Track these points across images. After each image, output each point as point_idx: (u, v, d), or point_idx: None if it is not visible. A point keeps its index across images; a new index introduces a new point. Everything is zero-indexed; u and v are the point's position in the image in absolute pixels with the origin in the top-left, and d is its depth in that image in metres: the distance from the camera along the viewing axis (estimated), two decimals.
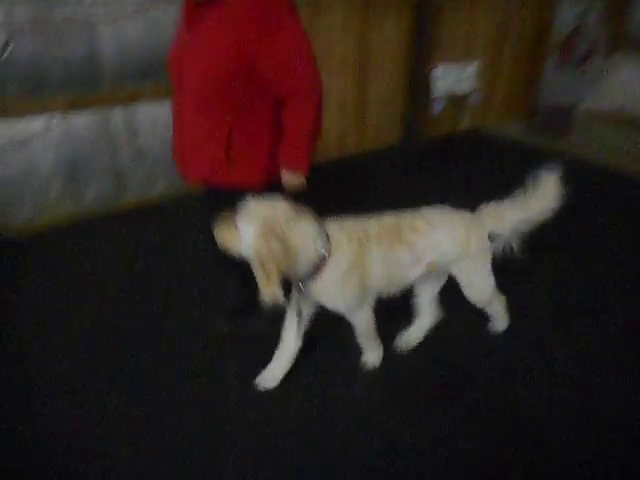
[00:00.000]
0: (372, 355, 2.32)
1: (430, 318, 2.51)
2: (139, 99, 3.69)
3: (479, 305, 2.38)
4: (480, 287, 2.29)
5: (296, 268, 1.79)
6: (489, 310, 2.46)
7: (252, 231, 1.69)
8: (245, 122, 1.85)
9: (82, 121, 3.54)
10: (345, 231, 1.91)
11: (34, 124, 3.38)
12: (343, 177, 4.52)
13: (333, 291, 1.93)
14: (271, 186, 1.96)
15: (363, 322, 2.15)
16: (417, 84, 5.04)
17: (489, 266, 2.25)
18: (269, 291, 1.68)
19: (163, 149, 3.87)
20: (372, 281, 1.99)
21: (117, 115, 3.66)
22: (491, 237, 2.22)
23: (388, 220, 2.03)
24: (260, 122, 1.87)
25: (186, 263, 3.14)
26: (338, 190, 4.24)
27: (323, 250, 1.81)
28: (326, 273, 1.85)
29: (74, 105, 3.48)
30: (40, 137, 3.43)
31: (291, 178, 1.96)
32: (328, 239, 1.84)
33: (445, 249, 2.11)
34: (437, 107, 5.09)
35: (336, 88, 4.65)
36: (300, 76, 1.77)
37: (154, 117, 3.79)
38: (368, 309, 2.12)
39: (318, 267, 1.83)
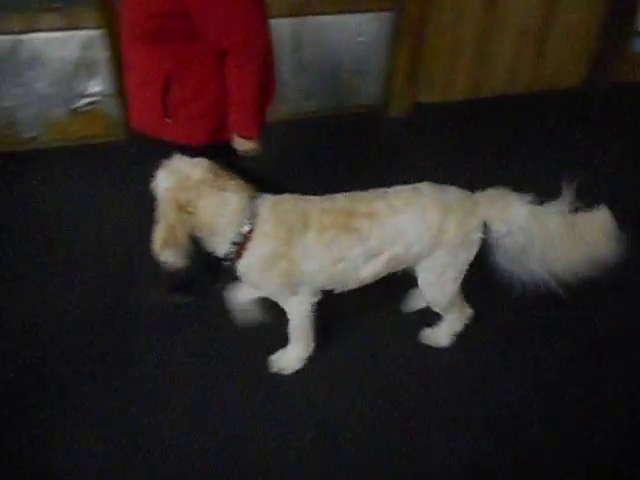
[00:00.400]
0: (292, 353, 2.00)
1: None
2: (302, 11, 3.73)
3: (434, 307, 2.00)
4: (444, 285, 1.88)
5: (211, 241, 1.67)
6: (444, 317, 2.07)
7: (161, 190, 1.59)
8: (186, 73, 1.63)
9: None
10: (277, 212, 1.67)
11: None
12: (507, 116, 4.12)
13: (254, 276, 1.74)
14: (219, 148, 1.77)
15: (294, 313, 1.90)
16: (617, 12, 4.22)
17: (466, 265, 1.85)
18: (156, 248, 1.58)
19: (327, 67, 3.95)
20: (305, 275, 1.73)
21: (284, 26, 3.76)
22: (486, 231, 1.80)
23: (340, 203, 1.72)
24: (203, 75, 1.65)
25: None
26: (496, 130, 3.89)
27: (246, 228, 1.63)
28: (247, 255, 1.67)
29: None
30: None
31: (240, 143, 1.78)
32: (255, 217, 1.64)
33: (411, 240, 1.74)
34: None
35: (517, 13, 4.13)
36: (235, 27, 1.51)
37: (320, 31, 3.82)
38: (304, 301, 1.85)
39: (241, 246, 1.65)
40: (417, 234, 1.73)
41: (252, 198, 1.68)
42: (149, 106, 1.71)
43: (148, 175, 1.65)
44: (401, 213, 1.71)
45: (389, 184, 1.86)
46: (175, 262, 1.65)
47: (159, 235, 1.57)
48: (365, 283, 1.86)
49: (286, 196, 1.74)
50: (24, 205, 3.07)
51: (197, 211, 1.59)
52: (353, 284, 1.85)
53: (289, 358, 2.01)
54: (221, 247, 1.68)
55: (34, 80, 3.47)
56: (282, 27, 3.74)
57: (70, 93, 3.58)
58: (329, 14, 3.78)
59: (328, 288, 1.85)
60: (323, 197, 1.75)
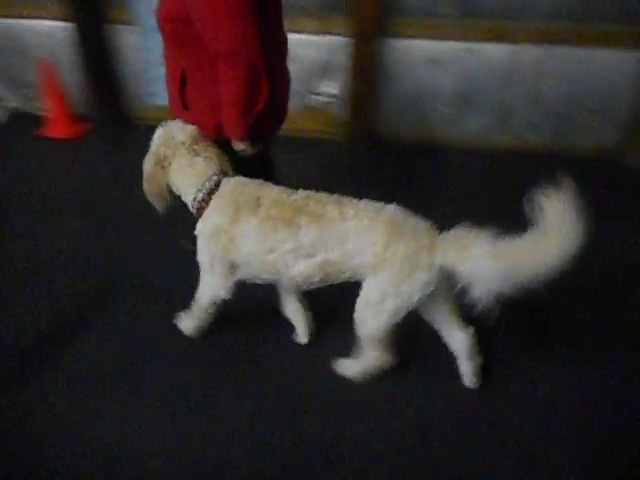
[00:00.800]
0: (184, 322, 2.13)
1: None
2: (553, 40, 3.47)
3: (359, 333, 1.81)
4: (378, 313, 1.71)
5: (183, 195, 1.84)
6: (363, 349, 1.88)
7: (152, 144, 1.84)
8: (197, 73, 1.78)
9: (493, 52, 3.60)
10: (235, 192, 1.75)
11: (451, 46, 3.63)
12: None
13: (200, 241, 1.83)
14: (223, 141, 1.86)
15: (202, 289, 1.95)
16: None
17: (407, 303, 1.67)
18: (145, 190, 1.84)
19: (564, 102, 3.64)
20: (240, 256, 1.78)
21: (527, 53, 3.55)
22: (447, 272, 1.61)
23: (296, 198, 1.72)
24: (206, 75, 1.75)
25: None
26: None
27: (200, 195, 1.78)
28: (200, 221, 1.80)
29: (491, 34, 3.54)
30: (451, 60, 3.68)
31: (233, 142, 1.84)
32: (214, 190, 1.77)
33: (351, 250, 1.66)
34: None
35: None
36: (224, 35, 1.55)
37: (567, 62, 3.52)
38: (221, 285, 1.89)
39: (198, 211, 1.80)
40: (359, 246, 1.66)
41: (220, 173, 1.82)
42: (173, 98, 1.93)
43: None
44: (347, 221, 1.66)
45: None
46: (159, 206, 1.89)
47: (144, 182, 1.85)
48: (299, 283, 1.81)
49: (253, 181, 1.81)
50: None
51: (169, 167, 1.81)
52: (285, 280, 1.82)
53: (185, 325, 2.15)
54: (188, 205, 1.86)
55: None
56: (525, 54, 3.56)
57: (307, 90, 3.93)
58: (580, 46, 3.47)
59: (263, 278, 1.85)
60: (286, 189, 1.77)
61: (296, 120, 3.99)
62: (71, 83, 4.11)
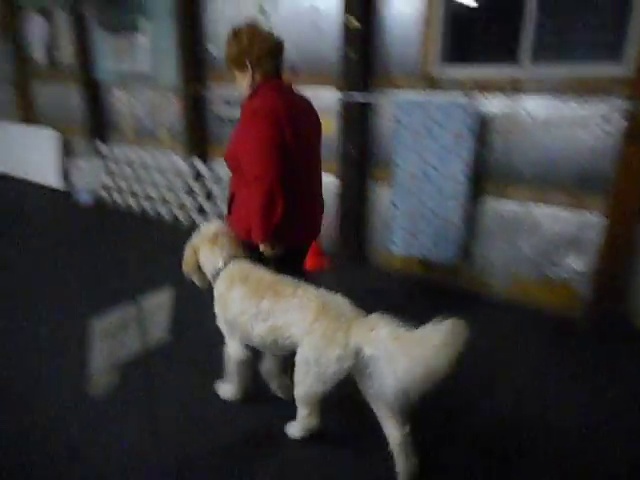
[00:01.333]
0: (222, 388, 2.74)
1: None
2: None
3: (295, 391, 2.26)
4: (305, 377, 2.16)
5: (207, 273, 2.53)
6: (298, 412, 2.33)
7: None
8: (238, 192, 2.50)
9: None
10: (234, 271, 2.39)
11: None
12: None
13: (215, 306, 2.47)
14: (253, 245, 2.47)
15: (228, 353, 2.56)
16: None
17: (320, 376, 2.09)
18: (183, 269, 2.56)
19: None
20: (231, 316, 2.37)
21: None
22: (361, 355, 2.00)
23: (271, 279, 2.30)
24: (242, 196, 2.47)
25: None
26: None
27: (215, 271, 2.47)
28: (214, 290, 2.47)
29: None
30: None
31: (259, 243, 2.41)
32: (223, 270, 2.43)
33: (289, 320, 2.15)
34: None
35: None
36: (252, 168, 2.30)
37: None
38: (235, 346, 2.52)
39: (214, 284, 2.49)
40: (295, 319, 2.13)
41: (229, 257, 2.46)
42: (227, 208, 2.67)
43: None
44: (294, 299, 2.17)
45: None
46: (196, 281, 2.60)
47: (183, 263, 2.57)
48: (260, 343, 2.33)
49: (250, 264, 2.42)
50: None
51: (199, 253, 2.52)
52: (252, 338, 2.34)
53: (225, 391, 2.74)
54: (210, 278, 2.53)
55: (523, 241, 3.88)
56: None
57: (548, 261, 3.80)
58: None
59: (246, 339, 2.40)
60: (272, 273, 2.35)
61: (532, 290, 3.88)
62: (327, 224, 4.77)
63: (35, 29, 7.52)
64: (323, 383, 2.11)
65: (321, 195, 2.69)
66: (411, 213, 4.13)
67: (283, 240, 2.42)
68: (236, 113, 5.22)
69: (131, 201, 6.40)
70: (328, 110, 4.61)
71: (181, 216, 5.85)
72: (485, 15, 3.89)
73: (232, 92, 5.29)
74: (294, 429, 2.44)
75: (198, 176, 5.58)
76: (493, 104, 3.75)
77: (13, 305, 3.82)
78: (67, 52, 7.11)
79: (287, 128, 2.30)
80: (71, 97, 7.23)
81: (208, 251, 2.49)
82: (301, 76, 4.75)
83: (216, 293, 2.43)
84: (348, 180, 4.55)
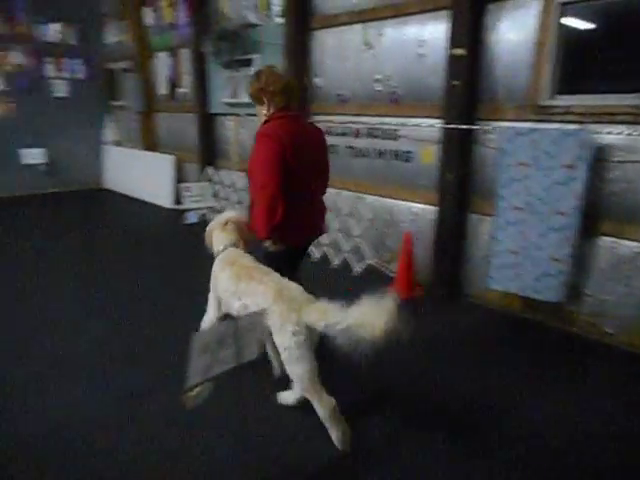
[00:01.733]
0: (284, 396, 2.95)
1: None
2: None
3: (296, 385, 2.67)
4: (291, 368, 2.52)
5: (213, 251, 3.10)
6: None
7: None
8: (252, 198, 3.00)
9: None
10: (227, 255, 2.93)
11: None
12: None
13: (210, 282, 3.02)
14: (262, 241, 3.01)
15: (207, 313, 3.05)
16: None
17: (292, 354, 2.46)
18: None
19: None
20: (219, 292, 2.90)
21: None
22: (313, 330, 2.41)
23: (253, 265, 2.81)
24: (254, 201, 2.96)
25: None
26: None
27: (216, 253, 3.03)
28: None
29: None
30: None
31: (263, 239, 2.98)
32: (222, 251, 2.99)
33: (254, 301, 2.58)
34: None
35: None
36: (256, 180, 2.87)
37: None
38: (210, 316, 3.02)
39: None
40: (259, 301, 2.56)
41: (229, 244, 2.99)
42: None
43: None
44: (260, 284, 2.61)
45: None
46: (211, 251, 3.09)
47: (205, 236, 3.14)
48: (235, 314, 2.76)
49: (239, 252, 2.96)
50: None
51: (212, 234, 3.10)
52: (233, 312, 2.79)
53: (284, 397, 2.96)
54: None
55: None
56: None
57: None
58: None
59: (227, 309, 2.87)
60: (255, 262, 2.84)
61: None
62: (422, 254, 4.69)
63: (162, 66, 8.34)
64: (296, 360, 2.47)
65: (322, 202, 3.26)
66: (513, 247, 3.90)
67: (284, 239, 2.95)
68: (335, 141, 5.43)
69: None
70: (430, 139, 4.56)
71: None
72: (603, 41, 3.65)
73: (334, 122, 5.44)
74: (288, 398, 2.89)
75: None
76: (611, 135, 3.47)
77: (134, 312, 4.15)
78: (186, 86, 7.81)
79: (289, 149, 2.82)
80: (187, 127, 7.87)
81: (217, 235, 3.08)
82: (403, 105, 4.76)
83: (212, 271, 2.96)
84: (446, 210, 4.43)
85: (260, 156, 2.83)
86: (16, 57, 8.73)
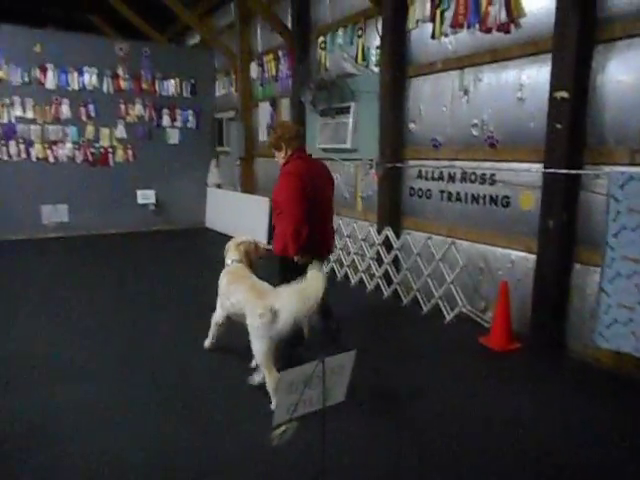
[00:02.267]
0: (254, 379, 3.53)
1: None
2: None
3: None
4: (254, 343, 3.28)
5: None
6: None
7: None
8: (278, 225, 3.77)
9: None
10: (231, 268, 3.83)
11: None
12: None
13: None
14: (284, 257, 3.71)
15: (216, 311, 3.92)
16: None
17: (257, 332, 3.22)
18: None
19: None
20: (221, 294, 3.81)
21: None
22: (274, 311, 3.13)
23: (244, 273, 3.74)
24: (278, 226, 3.76)
25: None
26: None
27: (227, 265, 3.93)
28: None
29: None
30: None
31: (293, 256, 3.64)
32: (230, 265, 3.89)
33: (237, 298, 3.53)
34: None
35: None
36: (287, 208, 3.59)
37: None
38: (219, 313, 3.89)
39: None
40: (240, 296, 3.50)
41: (236, 260, 3.87)
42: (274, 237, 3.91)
43: None
44: (240, 284, 3.57)
45: None
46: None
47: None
48: (233, 313, 3.65)
49: (240, 266, 3.84)
50: None
51: (228, 250, 3.99)
52: (229, 309, 3.71)
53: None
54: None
55: None
56: None
57: None
58: None
59: (227, 310, 3.76)
60: (245, 271, 3.79)
61: None
62: (519, 304, 4.41)
63: (263, 115, 8.90)
64: (261, 338, 3.22)
65: (332, 225, 4.08)
66: (627, 302, 3.54)
67: (308, 253, 3.64)
68: (429, 186, 5.39)
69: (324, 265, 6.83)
70: (529, 184, 4.37)
71: (366, 281, 6.01)
72: None
73: (427, 166, 5.41)
74: (254, 379, 3.48)
75: (388, 245, 5.72)
76: None
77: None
78: None
79: (307, 183, 3.62)
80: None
81: (230, 252, 3.95)
82: (501, 150, 4.63)
83: (219, 279, 3.84)
84: (547, 259, 4.16)
85: (287, 191, 3.62)
86: (138, 109, 9.80)
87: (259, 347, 3.23)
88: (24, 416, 3.16)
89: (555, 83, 3.97)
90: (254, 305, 3.26)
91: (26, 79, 8.82)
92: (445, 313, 4.93)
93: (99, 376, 3.72)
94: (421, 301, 5.23)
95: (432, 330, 4.72)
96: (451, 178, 5.17)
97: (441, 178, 5.29)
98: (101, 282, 6.35)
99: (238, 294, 3.50)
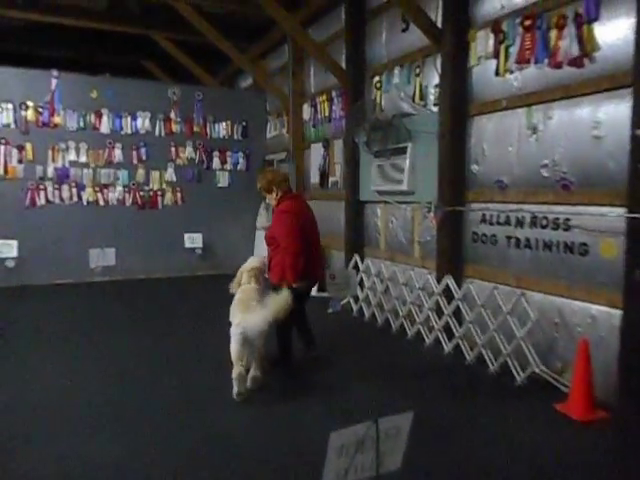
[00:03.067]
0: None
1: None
2: None
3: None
4: (231, 344, 4.19)
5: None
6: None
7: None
8: (273, 257, 4.76)
9: None
10: (240, 289, 4.76)
11: None
12: None
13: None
14: (281, 286, 4.46)
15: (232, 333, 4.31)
16: None
17: (235, 337, 4.17)
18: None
19: None
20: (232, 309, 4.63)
21: None
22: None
23: (246, 296, 4.62)
24: (274, 259, 4.72)
25: None
26: None
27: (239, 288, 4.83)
28: None
29: None
30: None
31: (292, 283, 4.49)
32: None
33: (233, 314, 4.51)
34: None
35: None
36: (285, 242, 4.53)
37: None
38: (235, 331, 4.22)
39: None
40: (231, 309, 4.61)
41: (246, 282, 4.82)
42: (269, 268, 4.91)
43: None
44: (235, 301, 4.70)
45: None
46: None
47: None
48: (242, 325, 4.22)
49: (249, 287, 4.75)
50: None
51: (242, 275, 4.90)
52: (235, 320, 4.36)
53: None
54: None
55: None
56: None
57: None
58: None
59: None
60: (249, 291, 4.72)
61: None
62: (603, 366, 4.13)
63: (315, 157, 9.11)
64: (236, 342, 4.14)
65: (321, 255, 5.27)
66: None
67: (304, 280, 4.61)
68: (494, 231, 5.25)
69: (376, 313, 6.72)
70: (610, 229, 4.17)
71: (424, 334, 5.84)
72: None
73: (491, 210, 5.30)
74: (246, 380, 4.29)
75: (448, 295, 5.56)
76: None
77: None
78: (337, 175, 8.37)
79: (300, 219, 4.64)
80: (335, 214, 8.31)
81: (244, 276, 4.82)
82: (576, 192, 4.48)
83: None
84: (636, 315, 3.89)
85: (284, 227, 4.60)
86: (188, 152, 10.29)
87: (233, 347, 4.16)
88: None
89: (636, 119, 3.83)
90: (234, 316, 4.36)
91: (82, 124, 9.48)
92: (515, 373, 4.67)
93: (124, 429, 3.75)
94: (487, 358, 4.99)
95: (501, 394, 4.46)
96: (519, 222, 5.02)
97: (508, 222, 5.15)
98: (139, 327, 6.53)
99: (232, 309, 4.57)
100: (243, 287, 4.73)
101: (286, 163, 9.87)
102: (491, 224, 5.35)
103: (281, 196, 4.80)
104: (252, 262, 4.98)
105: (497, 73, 5.15)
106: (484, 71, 5.40)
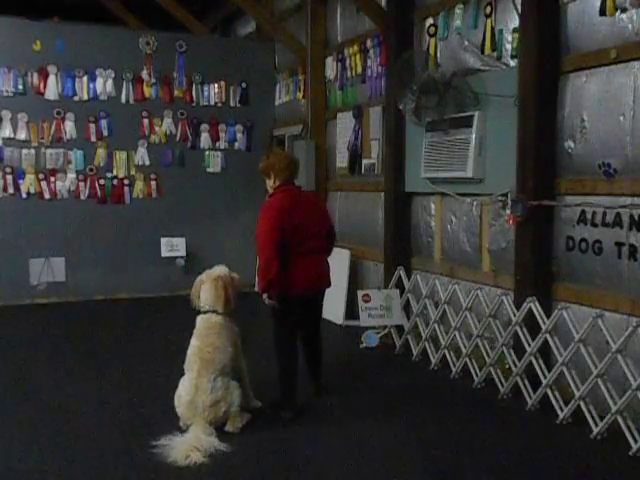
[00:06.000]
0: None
1: None
2: None
3: None
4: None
5: None
6: None
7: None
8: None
9: None
10: (201, 322, 5.27)
11: None
12: None
13: None
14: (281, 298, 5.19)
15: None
16: None
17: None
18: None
19: None
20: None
21: None
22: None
23: (202, 344, 5.16)
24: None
25: None
26: None
27: (200, 308, 5.35)
28: None
29: None
30: None
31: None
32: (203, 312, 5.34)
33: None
34: None
35: None
36: (259, 241, 5.17)
37: None
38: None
39: None
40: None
41: (210, 307, 5.26)
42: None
43: None
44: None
45: None
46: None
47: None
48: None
49: (212, 321, 5.22)
50: None
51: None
52: None
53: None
54: None
55: None
56: None
57: None
58: None
59: None
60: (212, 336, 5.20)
61: None
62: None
63: (342, 131, 9.05)
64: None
65: (324, 259, 5.56)
66: None
67: (282, 291, 5.11)
68: (598, 235, 5.21)
69: (428, 349, 6.72)
70: None
71: (498, 380, 5.81)
72: None
73: (594, 205, 5.25)
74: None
75: (532, 325, 5.53)
76: None
77: None
78: (374, 157, 8.34)
79: (286, 217, 5.08)
80: (371, 211, 8.32)
81: (204, 290, 5.29)
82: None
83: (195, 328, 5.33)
84: None
85: (262, 226, 5.13)
86: (167, 125, 10.34)
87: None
88: None
89: None
90: (184, 382, 5.00)
91: (20, 87, 9.58)
92: (631, 439, 4.61)
93: None
94: (589, 417, 4.93)
95: (611, 470, 4.43)
96: (634, 223, 4.98)
97: (618, 223, 5.11)
98: (91, 374, 6.48)
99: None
100: (205, 317, 5.20)
101: (302, 140, 9.86)
102: (594, 225, 5.31)
103: (278, 186, 5.34)
104: (219, 269, 5.36)
105: (603, 12, 5.12)
106: (584, 10, 5.39)
